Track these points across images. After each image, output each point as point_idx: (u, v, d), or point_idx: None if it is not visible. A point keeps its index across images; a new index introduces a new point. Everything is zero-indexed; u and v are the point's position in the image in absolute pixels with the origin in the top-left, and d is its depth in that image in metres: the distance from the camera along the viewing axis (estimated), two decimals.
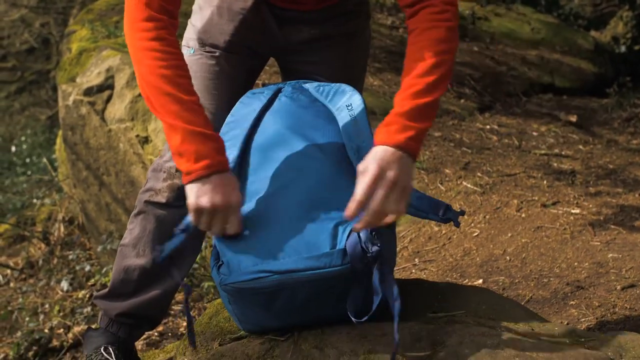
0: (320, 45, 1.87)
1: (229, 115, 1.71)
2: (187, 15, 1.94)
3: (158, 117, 1.54)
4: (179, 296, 3.52)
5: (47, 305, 3.92)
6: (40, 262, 4.58)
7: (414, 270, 3.00)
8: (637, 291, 2.52)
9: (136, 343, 2.07)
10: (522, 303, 2.37)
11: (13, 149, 8.38)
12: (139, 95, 3.87)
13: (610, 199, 3.42)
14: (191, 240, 1.62)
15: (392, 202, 1.40)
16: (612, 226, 3.08)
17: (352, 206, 1.40)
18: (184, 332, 3.21)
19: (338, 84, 1.70)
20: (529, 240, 3.01)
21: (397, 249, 3.06)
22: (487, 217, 3.26)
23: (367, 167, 1.41)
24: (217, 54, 1.85)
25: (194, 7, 1.92)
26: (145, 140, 3.83)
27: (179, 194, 1.79)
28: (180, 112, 1.50)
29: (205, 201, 1.47)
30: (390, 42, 5.84)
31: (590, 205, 3.33)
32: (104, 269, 3.93)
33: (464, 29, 6.30)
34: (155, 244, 1.87)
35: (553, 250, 2.91)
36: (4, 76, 9.55)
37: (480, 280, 2.76)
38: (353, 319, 1.39)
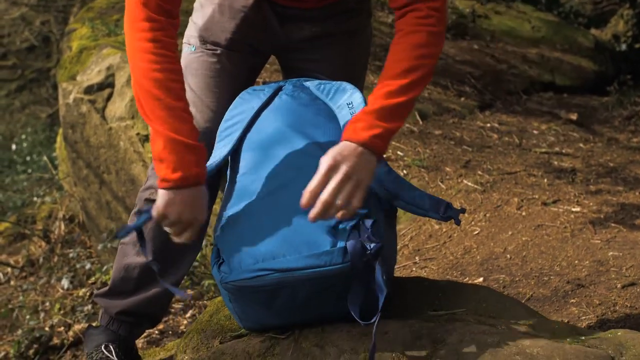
0: (321, 43, 1.87)
1: (228, 111, 1.71)
2: (188, 13, 1.93)
3: (145, 120, 1.55)
4: None
5: (47, 303, 3.93)
6: (41, 260, 4.58)
7: (414, 269, 3.00)
8: (638, 289, 2.52)
9: (137, 341, 2.07)
10: (523, 301, 2.37)
11: (13, 147, 8.38)
12: None
13: (611, 197, 3.42)
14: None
15: (343, 195, 1.42)
16: (613, 224, 3.08)
17: (305, 196, 1.43)
18: (185, 330, 3.21)
19: (339, 82, 1.70)
20: (530, 238, 3.01)
21: (398, 247, 3.06)
22: (488, 215, 3.26)
23: (323, 160, 1.44)
24: (218, 51, 1.85)
25: (195, 5, 1.92)
26: (146, 139, 3.83)
27: None
28: (167, 118, 1.51)
29: (172, 212, 1.51)
30: (391, 40, 5.83)
31: (591, 204, 3.33)
32: (105, 267, 3.93)
33: (464, 27, 6.29)
34: (156, 242, 1.87)
35: (553, 248, 2.91)
36: (5, 74, 9.54)
37: (481, 279, 2.76)
38: (360, 321, 1.38)
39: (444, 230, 3.24)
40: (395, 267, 1.87)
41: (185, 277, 3.05)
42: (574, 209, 3.25)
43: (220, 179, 1.86)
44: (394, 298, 1.64)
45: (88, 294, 3.86)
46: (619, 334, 1.49)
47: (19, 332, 3.64)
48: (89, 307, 3.65)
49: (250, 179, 1.58)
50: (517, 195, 3.40)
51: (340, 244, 1.43)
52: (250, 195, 1.55)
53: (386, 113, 1.48)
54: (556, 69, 6.22)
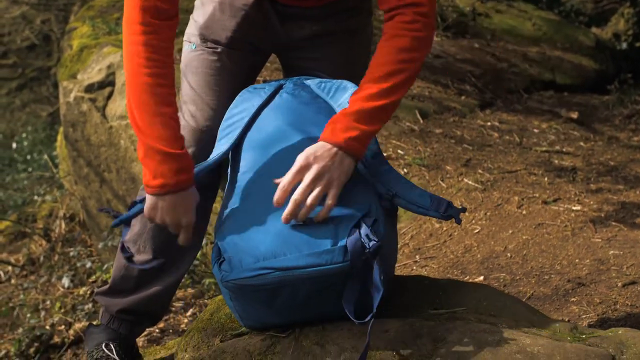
0: (322, 42, 1.87)
1: (229, 109, 1.71)
2: (189, 11, 1.93)
3: (131, 123, 1.57)
4: (180, 293, 3.52)
5: (48, 302, 3.93)
6: (41, 258, 4.58)
7: (414, 267, 3.00)
8: (638, 288, 2.52)
9: (137, 339, 2.07)
10: (523, 300, 2.37)
11: (14, 145, 8.38)
12: None
13: (611, 196, 3.42)
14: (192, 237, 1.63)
15: (315, 194, 1.45)
16: (613, 223, 3.08)
17: (277, 193, 1.46)
18: (185, 328, 3.21)
19: (339, 81, 1.70)
20: (530, 237, 3.01)
21: (398, 245, 3.06)
22: (488, 214, 3.26)
23: (297, 159, 1.47)
24: (218, 49, 1.85)
25: (196, 3, 1.92)
26: None
27: None
28: (151, 124, 1.53)
29: (155, 215, 1.56)
30: None
31: (591, 202, 3.32)
32: (105, 266, 3.93)
33: (464, 25, 6.29)
34: (156, 240, 1.87)
35: (554, 247, 2.91)
36: (5, 73, 9.54)
37: (481, 277, 2.76)
38: (354, 320, 1.38)
39: (445, 229, 3.24)
40: (396, 265, 1.87)
41: (185, 275, 3.06)
42: (574, 208, 3.25)
43: (220, 178, 1.86)
44: (394, 297, 1.64)
45: (89, 292, 3.86)
46: (620, 332, 1.49)
47: (20, 330, 3.64)
48: (90, 305, 3.65)
49: (250, 178, 1.58)
50: (517, 194, 3.40)
51: (341, 243, 1.43)
52: (251, 194, 1.55)
53: (365, 116, 1.50)
54: (557, 68, 6.22)
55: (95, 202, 4.38)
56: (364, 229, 1.43)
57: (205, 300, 3.44)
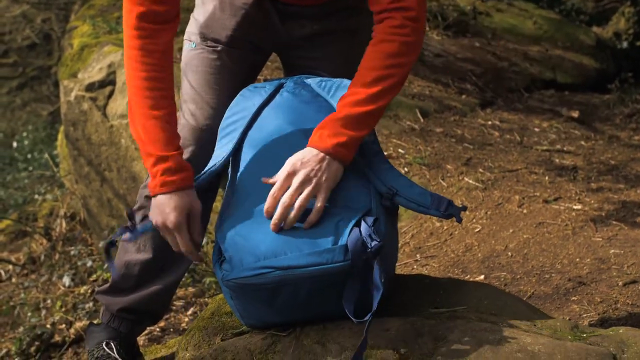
0: (322, 41, 1.87)
1: (228, 109, 1.71)
2: (190, 10, 1.93)
3: (130, 125, 1.60)
4: (181, 291, 3.52)
5: (49, 301, 3.92)
6: (42, 257, 4.58)
7: (415, 266, 3.00)
8: (639, 287, 2.52)
9: (138, 338, 2.07)
10: (524, 299, 2.37)
11: (14, 144, 8.38)
12: None
13: (612, 195, 3.42)
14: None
15: (303, 197, 1.46)
16: (614, 222, 3.08)
17: (267, 201, 1.47)
18: (186, 327, 3.21)
19: (340, 79, 1.70)
20: (531, 236, 3.01)
21: (399, 244, 3.06)
22: (489, 213, 3.26)
23: (284, 165, 1.49)
24: (219, 48, 1.85)
25: (197, 1, 1.92)
26: None
27: None
28: (144, 127, 1.56)
29: (153, 218, 1.57)
30: None
31: (592, 201, 3.32)
32: (106, 265, 3.93)
33: (465, 24, 6.29)
34: (157, 239, 1.87)
35: (555, 246, 2.91)
36: (6, 72, 9.54)
37: (482, 276, 2.76)
38: (353, 319, 1.38)
39: (445, 228, 3.24)
40: (397, 264, 1.87)
41: (186, 274, 3.06)
42: (575, 207, 3.25)
43: (220, 178, 1.86)
44: (395, 295, 1.64)
45: (89, 291, 3.86)
46: (621, 331, 1.49)
47: (21, 329, 3.64)
48: (91, 304, 3.65)
49: (251, 177, 1.58)
50: (518, 193, 3.40)
51: (342, 242, 1.43)
52: (252, 193, 1.55)
53: (353, 121, 1.51)
54: (557, 67, 6.21)
55: (96, 201, 4.38)
56: (365, 228, 1.43)
57: (206, 299, 3.44)
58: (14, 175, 7.42)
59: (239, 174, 1.61)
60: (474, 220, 3.22)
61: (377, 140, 1.65)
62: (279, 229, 1.46)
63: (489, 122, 4.56)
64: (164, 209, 1.54)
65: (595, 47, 6.86)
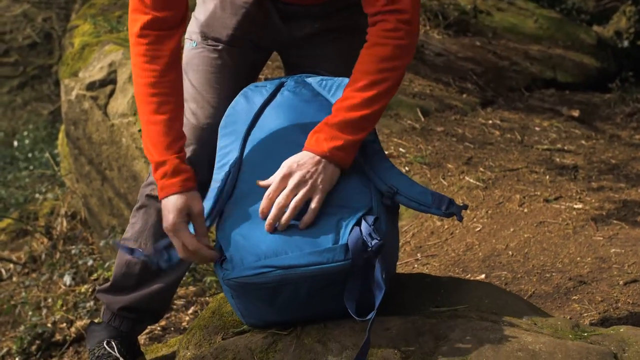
0: (323, 40, 1.87)
1: (229, 108, 1.71)
2: (191, 9, 1.93)
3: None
4: (182, 290, 3.52)
5: (49, 300, 3.93)
6: (43, 256, 4.58)
7: (416, 265, 3.00)
8: None
9: (139, 337, 2.07)
10: (525, 298, 2.37)
11: (15, 143, 8.38)
12: None
13: (613, 194, 3.42)
14: None
15: (298, 198, 1.46)
16: (615, 221, 3.08)
17: (262, 203, 1.48)
18: (187, 326, 3.21)
19: (341, 78, 1.70)
20: (532, 235, 3.01)
21: (400, 243, 3.06)
22: (490, 212, 3.26)
23: (280, 167, 1.50)
24: (219, 47, 1.85)
25: (198, 0, 1.92)
26: None
27: None
28: (146, 132, 1.58)
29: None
30: None
31: (593, 200, 3.32)
32: (107, 264, 3.93)
33: (466, 23, 6.29)
34: (157, 238, 1.87)
35: (555, 245, 2.91)
36: (7, 71, 9.55)
37: (483, 275, 2.76)
38: (356, 317, 1.38)
39: (446, 227, 3.24)
40: (397, 263, 1.87)
41: (187, 273, 3.06)
42: (576, 206, 3.25)
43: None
44: (396, 295, 1.64)
45: (90, 290, 3.86)
46: (622, 330, 1.48)
47: (22, 328, 3.64)
48: (91, 303, 3.65)
49: (252, 176, 1.58)
50: (519, 192, 3.40)
51: (342, 241, 1.43)
52: (253, 192, 1.55)
53: (348, 125, 1.51)
54: (558, 66, 6.21)
55: (97, 200, 4.38)
56: (366, 227, 1.43)
57: (207, 298, 3.44)
58: (14, 174, 7.42)
59: (240, 173, 1.61)
60: (475, 220, 3.22)
61: (378, 139, 1.64)
62: (273, 230, 1.47)
63: (490, 121, 4.56)
64: (165, 212, 1.54)
65: (596, 46, 6.86)
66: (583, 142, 4.38)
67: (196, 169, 1.62)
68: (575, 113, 4.97)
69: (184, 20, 1.63)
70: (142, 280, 1.92)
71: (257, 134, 1.64)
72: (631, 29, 7.50)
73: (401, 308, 1.59)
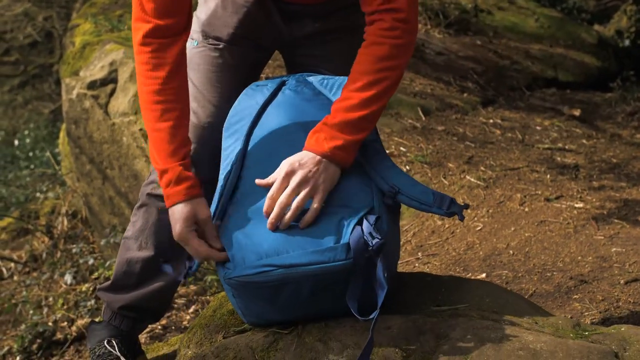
0: (324, 39, 1.87)
1: (232, 107, 1.71)
2: (192, 8, 1.93)
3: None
4: (182, 289, 3.52)
5: (50, 299, 3.93)
6: (44, 255, 4.59)
7: (417, 264, 3.00)
8: None
9: (140, 336, 2.07)
10: (526, 297, 2.37)
11: (16, 142, 8.39)
12: None
13: (614, 193, 3.42)
14: None
15: (300, 198, 1.47)
16: (616, 220, 3.08)
17: (266, 202, 1.48)
18: (188, 325, 3.21)
19: (342, 77, 1.70)
20: (532, 234, 3.01)
21: (401, 242, 3.06)
22: (491, 211, 3.26)
23: (281, 167, 1.50)
24: (220, 46, 1.85)
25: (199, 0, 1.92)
26: None
27: None
28: (151, 139, 1.59)
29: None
30: None
31: (594, 200, 3.32)
32: (108, 263, 3.93)
33: (467, 22, 6.29)
34: (158, 236, 1.87)
35: (556, 244, 2.91)
36: (7, 70, 9.55)
37: (484, 275, 2.76)
38: (358, 316, 1.38)
39: (447, 226, 3.23)
40: (398, 262, 1.87)
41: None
42: (576, 205, 3.25)
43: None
44: (397, 294, 1.64)
45: (91, 289, 3.87)
46: (623, 329, 1.48)
47: (23, 327, 3.64)
48: (92, 302, 3.65)
49: (254, 175, 1.58)
50: (519, 191, 3.40)
51: (344, 240, 1.43)
52: (254, 191, 1.55)
53: (348, 126, 1.51)
54: (559, 65, 6.21)
55: (98, 199, 4.39)
56: (367, 227, 1.43)
57: (208, 297, 3.44)
58: (15, 173, 7.43)
59: (241, 172, 1.61)
60: (476, 219, 3.22)
61: (379, 138, 1.64)
62: (275, 228, 1.47)
63: (491, 121, 4.56)
64: (172, 222, 1.55)
65: (597, 46, 6.86)
66: (584, 141, 4.38)
67: (197, 168, 1.62)
68: (576, 112, 4.97)
69: (187, 28, 1.64)
70: (143, 279, 1.92)
71: (258, 133, 1.64)
72: (632, 28, 7.49)
73: (402, 307, 1.59)
